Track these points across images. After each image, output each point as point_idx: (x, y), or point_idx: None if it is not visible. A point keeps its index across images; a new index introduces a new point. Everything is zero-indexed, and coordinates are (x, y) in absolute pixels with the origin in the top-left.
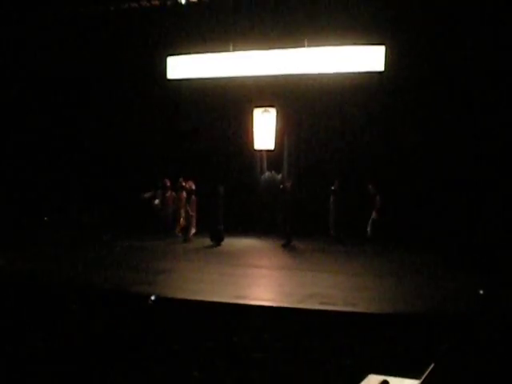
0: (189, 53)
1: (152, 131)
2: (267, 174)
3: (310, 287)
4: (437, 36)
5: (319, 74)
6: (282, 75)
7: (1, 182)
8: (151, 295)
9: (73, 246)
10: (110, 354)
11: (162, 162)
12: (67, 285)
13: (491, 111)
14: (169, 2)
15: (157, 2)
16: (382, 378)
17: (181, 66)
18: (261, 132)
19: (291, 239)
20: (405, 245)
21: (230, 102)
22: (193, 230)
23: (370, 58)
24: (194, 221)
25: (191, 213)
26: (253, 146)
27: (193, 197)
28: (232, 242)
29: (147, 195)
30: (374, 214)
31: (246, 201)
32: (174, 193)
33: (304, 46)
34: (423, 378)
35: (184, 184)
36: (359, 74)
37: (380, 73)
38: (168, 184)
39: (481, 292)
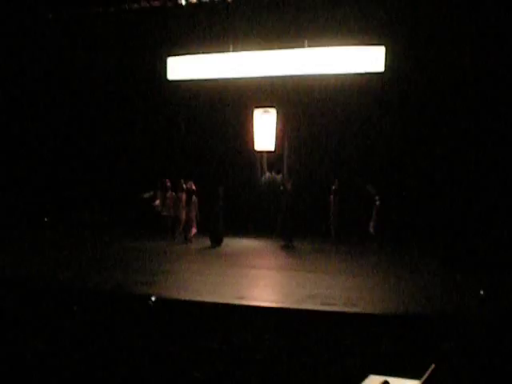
0: (189, 53)
1: (152, 132)
2: (267, 174)
3: (311, 288)
4: (436, 37)
5: (319, 75)
6: (282, 76)
7: (1, 183)
8: (151, 296)
9: (73, 247)
10: (111, 354)
11: (161, 162)
12: (67, 286)
13: (491, 111)
14: (169, 3)
15: (157, 3)
16: (382, 378)
17: (181, 67)
18: (261, 133)
19: (292, 240)
20: (405, 245)
21: (230, 102)
22: (193, 231)
23: (369, 59)
24: (194, 221)
25: (191, 213)
26: (253, 147)
27: (193, 197)
28: (232, 243)
29: (147, 195)
30: (374, 214)
31: (246, 202)
32: (174, 193)
33: (304, 47)
34: (424, 378)
35: (184, 185)
36: (359, 74)
37: (380, 73)
38: (168, 184)
39: (481, 292)
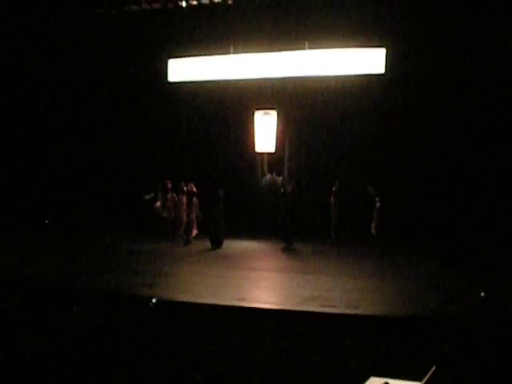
0: (190, 55)
1: (153, 133)
2: (268, 176)
3: (311, 289)
4: (436, 38)
5: (320, 77)
6: (283, 78)
7: (1, 184)
8: (152, 298)
9: (74, 249)
10: (111, 356)
11: (162, 164)
12: (68, 287)
13: (492, 111)
14: (170, 5)
15: (158, 5)
16: (383, 380)
17: (182, 69)
18: (262, 135)
19: (292, 242)
20: (405, 246)
21: (231, 104)
22: (194, 233)
23: (370, 61)
24: (195, 223)
25: (192, 215)
26: (253, 149)
27: (194, 199)
28: (232, 245)
29: (147, 197)
30: (374, 216)
31: (247, 203)
32: (175, 195)
33: (305, 49)
34: (425, 380)
35: (185, 187)
36: (360, 76)
37: (380, 75)
38: (169, 186)
39: (482, 294)
